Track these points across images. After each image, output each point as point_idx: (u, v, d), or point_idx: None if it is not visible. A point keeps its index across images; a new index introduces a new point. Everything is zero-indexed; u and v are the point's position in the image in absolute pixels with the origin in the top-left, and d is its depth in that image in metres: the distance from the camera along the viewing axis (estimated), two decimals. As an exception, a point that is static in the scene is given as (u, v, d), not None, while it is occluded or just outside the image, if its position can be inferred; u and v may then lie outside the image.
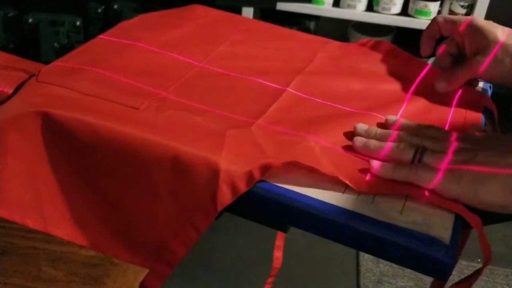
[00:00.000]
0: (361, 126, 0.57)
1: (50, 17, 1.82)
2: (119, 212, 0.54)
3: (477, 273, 0.52)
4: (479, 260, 1.33)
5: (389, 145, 0.54)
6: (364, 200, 0.49)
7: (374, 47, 0.76)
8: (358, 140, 0.55)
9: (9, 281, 0.71)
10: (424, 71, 0.70)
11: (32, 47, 1.86)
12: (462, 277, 0.53)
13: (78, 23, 1.84)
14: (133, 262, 0.53)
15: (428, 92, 0.67)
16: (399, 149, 0.53)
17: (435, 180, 0.50)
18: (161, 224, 0.52)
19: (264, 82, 0.66)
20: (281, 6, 1.74)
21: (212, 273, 1.40)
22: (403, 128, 0.57)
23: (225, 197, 0.49)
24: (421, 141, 0.54)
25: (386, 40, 1.93)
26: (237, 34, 0.78)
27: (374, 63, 0.73)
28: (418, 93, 0.67)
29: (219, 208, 0.49)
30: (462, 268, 1.37)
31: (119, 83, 0.62)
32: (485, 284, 1.38)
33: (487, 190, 0.48)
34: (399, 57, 0.73)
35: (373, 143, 0.54)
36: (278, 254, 0.88)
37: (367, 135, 0.56)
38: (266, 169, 0.50)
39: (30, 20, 1.82)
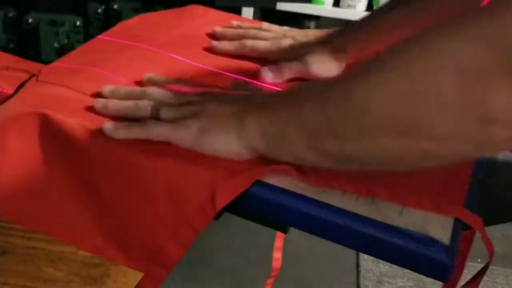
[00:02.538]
0: (108, 87, 0.54)
1: (50, 17, 1.82)
2: (114, 214, 0.53)
3: (483, 271, 0.52)
4: (479, 260, 1.33)
5: (127, 103, 0.51)
6: (363, 201, 0.49)
7: None
8: (97, 101, 0.52)
9: (9, 281, 0.71)
10: None
11: (32, 47, 1.86)
12: (463, 277, 0.54)
13: (78, 23, 1.84)
14: (128, 265, 0.52)
15: None
16: (137, 107, 0.51)
17: (167, 134, 0.49)
18: (157, 225, 0.52)
19: (262, 83, 0.66)
20: (281, 6, 1.74)
21: (212, 273, 1.40)
22: (150, 84, 0.56)
23: (224, 196, 0.49)
24: (164, 97, 0.52)
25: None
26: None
27: None
28: None
29: (218, 208, 0.49)
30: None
31: (118, 83, 0.62)
32: (485, 284, 1.38)
33: (215, 140, 0.49)
34: None
35: (112, 102, 0.52)
36: (277, 255, 0.87)
37: (112, 95, 0.54)
38: (262, 172, 0.50)
39: (30, 20, 1.82)
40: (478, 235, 0.50)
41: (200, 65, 0.68)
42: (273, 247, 0.88)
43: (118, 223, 0.53)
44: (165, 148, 0.52)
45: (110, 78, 0.63)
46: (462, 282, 0.54)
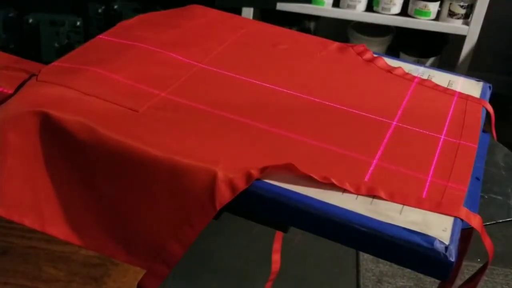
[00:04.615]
0: None
1: (50, 17, 1.82)
2: (115, 212, 0.54)
3: (483, 270, 0.53)
4: (478, 260, 1.33)
5: None
6: (363, 200, 0.49)
7: (371, 60, 0.75)
8: None
9: (10, 281, 0.71)
10: (414, 84, 0.70)
11: (32, 47, 1.86)
12: (462, 277, 0.54)
13: (78, 23, 1.84)
14: (130, 263, 0.53)
15: (425, 97, 0.67)
16: None
17: None
18: (158, 223, 0.52)
19: (262, 83, 0.66)
20: (281, 6, 1.74)
21: (212, 273, 1.40)
22: None
23: (224, 195, 0.49)
24: None
25: (386, 40, 1.91)
26: (237, 35, 0.78)
27: (370, 72, 0.73)
28: (414, 97, 0.67)
29: (218, 207, 0.49)
30: (462, 268, 1.36)
31: (118, 83, 0.62)
32: (485, 284, 1.38)
33: None
34: (394, 71, 0.73)
35: None
36: (276, 257, 0.87)
37: None
38: (263, 170, 0.50)
39: (30, 20, 1.82)
40: (477, 234, 0.51)
41: (200, 65, 0.68)
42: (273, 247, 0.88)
43: (120, 221, 0.53)
44: (166, 147, 0.52)
45: (110, 78, 0.63)
46: (460, 281, 0.55)
